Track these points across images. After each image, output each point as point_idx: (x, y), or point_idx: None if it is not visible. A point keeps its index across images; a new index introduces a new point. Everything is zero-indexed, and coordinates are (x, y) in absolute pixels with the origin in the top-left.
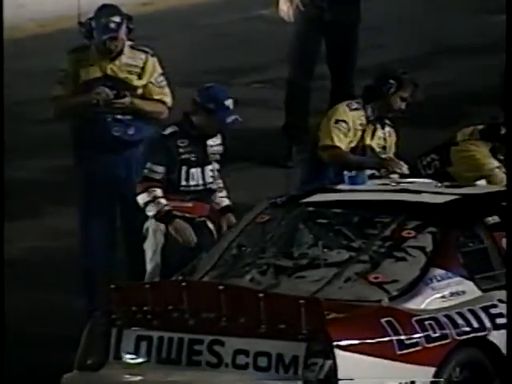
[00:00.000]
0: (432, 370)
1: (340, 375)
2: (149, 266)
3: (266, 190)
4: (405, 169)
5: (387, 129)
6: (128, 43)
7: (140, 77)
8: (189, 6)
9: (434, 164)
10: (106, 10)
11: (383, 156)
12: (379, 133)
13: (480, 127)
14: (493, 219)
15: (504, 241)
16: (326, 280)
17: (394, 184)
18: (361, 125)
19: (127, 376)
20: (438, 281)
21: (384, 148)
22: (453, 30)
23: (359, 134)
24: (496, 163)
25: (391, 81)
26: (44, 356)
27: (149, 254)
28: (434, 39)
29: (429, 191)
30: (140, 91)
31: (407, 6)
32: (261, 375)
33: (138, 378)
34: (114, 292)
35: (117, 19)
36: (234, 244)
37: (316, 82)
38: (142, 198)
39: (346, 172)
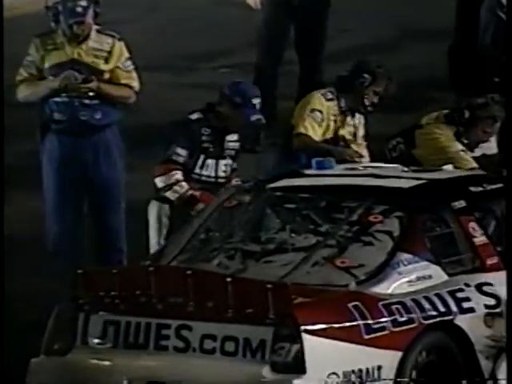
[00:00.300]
0: (399, 354)
1: (307, 359)
2: (153, 249)
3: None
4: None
5: (357, 115)
6: (95, 27)
7: (107, 61)
8: None
9: (399, 147)
10: None
11: (353, 144)
12: (350, 121)
13: (445, 112)
14: (459, 204)
15: (470, 225)
16: (293, 264)
17: (361, 169)
18: (334, 115)
19: (94, 361)
20: (405, 265)
21: (355, 135)
22: (420, 14)
23: (332, 124)
24: (460, 146)
25: (365, 75)
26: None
27: (153, 238)
28: (402, 23)
29: (396, 176)
30: (107, 75)
31: None
32: (228, 359)
33: (105, 362)
34: (81, 277)
35: (84, 3)
36: (202, 229)
37: (284, 67)
38: (163, 181)
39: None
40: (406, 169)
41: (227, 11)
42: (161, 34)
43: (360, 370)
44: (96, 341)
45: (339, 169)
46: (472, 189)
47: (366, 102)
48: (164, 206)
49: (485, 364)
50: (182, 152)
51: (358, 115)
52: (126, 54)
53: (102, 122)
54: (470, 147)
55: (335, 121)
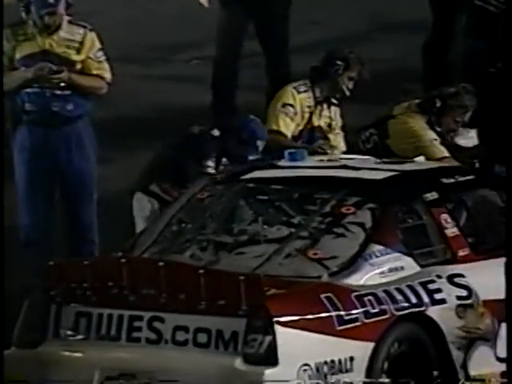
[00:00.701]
0: (371, 345)
1: (280, 351)
2: None
3: None
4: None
5: (332, 107)
6: (66, 18)
7: (78, 52)
8: None
9: (372, 138)
10: None
11: (330, 134)
12: (325, 112)
13: (417, 101)
14: (431, 195)
15: (442, 216)
16: (265, 256)
17: (333, 160)
18: (308, 107)
19: (66, 353)
20: (377, 257)
21: (330, 126)
22: (392, 6)
23: (307, 116)
24: (433, 135)
25: (338, 62)
26: None
27: (140, 226)
28: (373, 15)
29: (368, 167)
30: (78, 66)
31: None
32: (200, 351)
33: (77, 354)
34: (53, 268)
35: None
36: (175, 220)
37: (249, 59)
38: None
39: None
40: (378, 160)
41: (199, 3)
42: (133, 25)
43: (332, 361)
44: (68, 333)
45: (311, 160)
46: (444, 180)
47: (342, 88)
48: (153, 200)
49: (456, 355)
50: (212, 164)
51: (333, 107)
52: (98, 45)
53: (73, 113)
54: (442, 136)
55: (311, 112)
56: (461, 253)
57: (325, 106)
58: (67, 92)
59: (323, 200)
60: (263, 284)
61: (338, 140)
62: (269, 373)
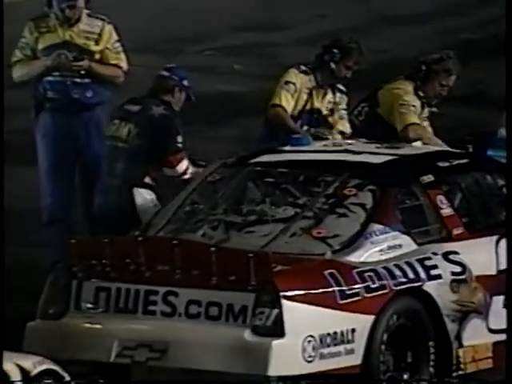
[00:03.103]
0: (371, 318)
1: (286, 323)
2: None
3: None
4: (337, 137)
5: (338, 94)
6: (85, 11)
7: (97, 43)
8: None
9: (364, 110)
10: None
11: (329, 118)
12: (329, 97)
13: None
14: (428, 178)
15: (438, 198)
16: (273, 235)
17: (336, 145)
18: (308, 88)
19: (87, 324)
20: (377, 235)
21: (332, 111)
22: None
23: (305, 97)
24: (413, 101)
25: (334, 50)
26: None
27: (144, 216)
28: (375, 9)
29: (369, 152)
30: (97, 56)
31: None
32: (212, 323)
33: (97, 326)
34: (75, 246)
35: None
36: (188, 201)
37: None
38: (174, 172)
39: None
40: (378, 145)
41: None
42: (148, 18)
43: (335, 333)
44: (88, 306)
45: (316, 145)
46: (440, 164)
47: (339, 76)
48: (149, 191)
49: (451, 327)
50: (180, 139)
51: (338, 94)
52: (115, 37)
53: (92, 100)
54: (429, 101)
55: (310, 93)
56: (455, 231)
57: (329, 90)
58: (87, 80)
59: (327, 182)
60: (271, 261)
61: (345, 126)
62: (276, 344)
